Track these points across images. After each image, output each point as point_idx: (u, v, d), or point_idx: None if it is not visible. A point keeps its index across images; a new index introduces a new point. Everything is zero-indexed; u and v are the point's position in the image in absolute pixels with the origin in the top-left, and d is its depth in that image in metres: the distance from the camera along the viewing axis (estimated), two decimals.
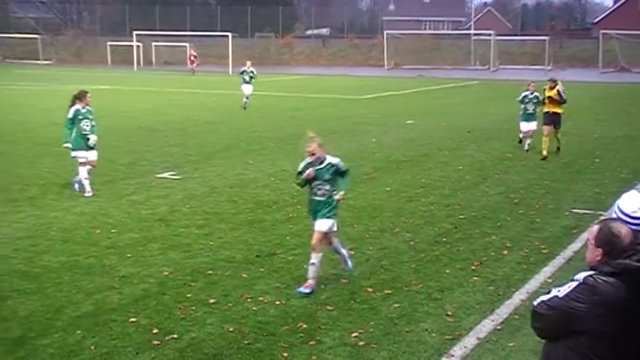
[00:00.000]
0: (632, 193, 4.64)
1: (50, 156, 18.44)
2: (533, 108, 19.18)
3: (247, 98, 30.50)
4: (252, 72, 30.98)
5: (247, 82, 30.85)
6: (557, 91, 18.25)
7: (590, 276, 3.85)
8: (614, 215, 4.56)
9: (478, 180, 15.37)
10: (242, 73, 31.29)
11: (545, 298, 3.94)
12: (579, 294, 3.80)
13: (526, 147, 19.23)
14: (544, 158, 17.57)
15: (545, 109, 18.47)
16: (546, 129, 18.16)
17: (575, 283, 3.87)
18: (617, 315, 3.76)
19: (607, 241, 3.93)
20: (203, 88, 43.13)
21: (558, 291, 3.90)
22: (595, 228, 4.03)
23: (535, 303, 3.99)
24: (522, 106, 19.45)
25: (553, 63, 63.48)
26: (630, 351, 3.82)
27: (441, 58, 68.34)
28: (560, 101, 18.30)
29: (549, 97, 18.36)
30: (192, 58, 59.35)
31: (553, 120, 18.35)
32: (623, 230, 3.95)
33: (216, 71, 60.41)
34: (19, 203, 13.28)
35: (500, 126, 24.38)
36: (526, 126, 19.38)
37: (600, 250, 3.94)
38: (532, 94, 19.24)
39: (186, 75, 54.78)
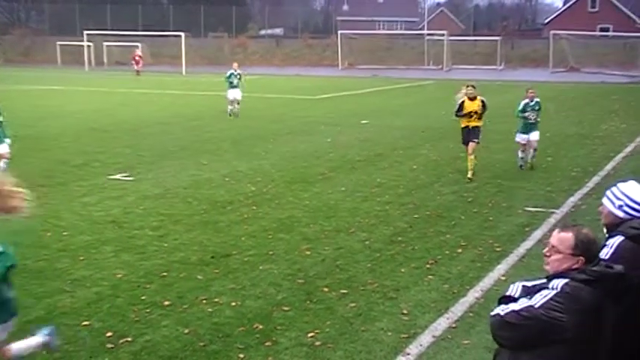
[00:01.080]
0: (633, 182, 4.76)
1: None
2: (535, 116, 16.91)
3: (237, 104, 27.75)
4: (238, 75, 28.17)
5: (234, 87, 28.02)
6: (482, 102, 15.63)
7: (567, 284, 3.79)
8: (618, 203, 4.65)
9: (432, 179, 15.48)
10: (229, 76, 28.15)
11: (515, 307, 3.82)
12: (558, 303, 3.72)
13: (520, 162, 16.84)
14: (471, 179, 15.23)
15: (465, 124, 15.78)
16: (471, 146, 15.57)
17: (552, 292, 3.78)
18: (594, 322, 3.75)
19: (588, 248, 3.89)
20: (156, 88, 42.74)
21: (528, 299, 3.81)
22: (567, 237, 3.95)
23: (501, 312, 3.86)
24: (524, 115, 16.89)
25: (505, 63, 64.31)
26: (601, 354, 3.83)
27: (395, 58, 68.72)
28: (482, 113, 15.73)
29: (470, 111, 15.60)
30: (136, 58, 57.29)
31: (476, 135, 15.71)
32: (592, 235, 3.95)
33: (169, 71, 59.93)
34: None
35: (454, 125, 24.45)
36: (525, 138, 16.79)
37: (581, 258, 3.88)
38: (533, 101, 16.95)
39: (142, 75, 54.12)
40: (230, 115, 27.42)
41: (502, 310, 3.86)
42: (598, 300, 3.76)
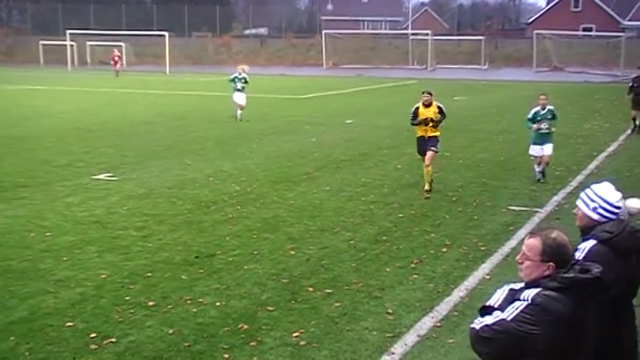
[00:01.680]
0: (606, 184, 4.67)
1: None
2: (547, 126, 15.21)
3: (242, 109, 26.08)
4: (244, 79, 26.36)
5: (240, 91, 26.27)
6: (439, 108, 14.12)
7: (538, 295, 3.69)
8: (592, 205, 4.57)
9: (417, 179, 15.48)
10: (233, 79, 26.42)
11: (489, 321, 3.73)
12: (530, 315, 3.63)
13: (538, 176, 15.23)
14: (428, 192, 13.90)
15: (420, 134, 14.32)
16: (429, 155, 14.09)
17: (522, 304, 3.70)
18: (567, 331, 3.66)
19: (557, 253, 3.79)
20: (139, 88, 42.58)
21: (501, 312, 3.73)
22: (534, 243, 3.85)
23: (476, 326, 3.76)
24: (534, 126, 15.27)
25: (489, 62, 64.55)
26: None
27: (380, 57, 68.80)
28: (439, 121, 14.20)
29: (425, 119, 14.11)
30: (115, 58, 55.90)
31: (428, 143, 14.20)
32: (565, 238, 3.84)
33: (153, 71, 59.73)
34: None
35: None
36: (539, 150, 15.22)
37: (551, 264, 3.78)
38: (544, 109, 15.24)
39: (123, 75, 53.88)
40: (240, 120, 25.69)
41: (477, 324, 3.77)
42: (571, 309, 3.66)
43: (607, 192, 4.61)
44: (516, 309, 3.69)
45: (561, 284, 3.69)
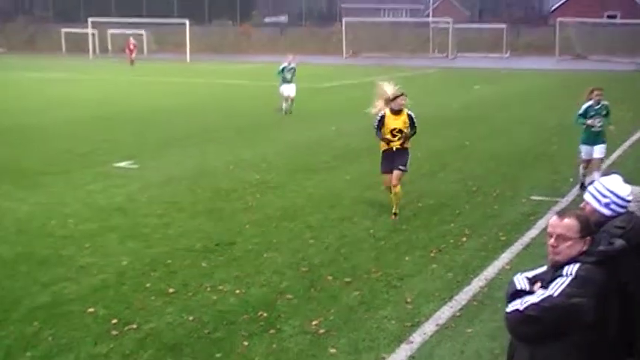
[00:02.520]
0: (616, 177, 4.58)
1: (3, 145, 18.14)
2: (601, 124, 13.47)
3: (290, 101, 24.71)
4: (293, 69, 25.00)
5: (288, 82, 24.77)
6: (410, 118, 11.81)
7: (580, 269, 3.80)
8: (605, 201, 4.45)
9: (436, 168, 15.47)
10: (282, 70, 24.96)
11: (534, 300, 3.78)
12: (577, 288, 3.72)
13: (582, 180, 13.41)
14: (395, 215, 11.58)
15: (385, 147, 11.85)
16: (396, 175, 11.67)
17: (567, 279, 3.77)
18: (607, 302, 3.78)
19: (590, 228, 3.98)
20: (160, 76, 42.72)
21: (544, 290, 3.79)
22: (570, 223, 3.96)
23: (520, 307, 3.81)
24: (586, 122, 13.49)
25: (511, 51, 64.10)
26: (614, 338, 3.86)
27: (400, 46, 68.44)
28: (408, 135, 11.80)
29: (392, 129, 11.72)
30: (131, 47, 54.62)
31: (396, 158, 11.71)
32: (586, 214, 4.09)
33: (173, 59, 59.85)
34: None
35: (458, 114, 24.55)
36: (589, 151, 13.47)
37: (589, 238, 3.94)
38: (599, 104, 13.46)
39: (138, 64, 53.97)
40: (285, 113, 24.51)
41: (520, 304, 3.81)
42: (605, 280, 3.80)
43: (618, 186, 4.50)
44: (561, 284, 3.76)
45: (599, 258, 3.83)
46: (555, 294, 3.74)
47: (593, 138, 13.47)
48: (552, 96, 30.59)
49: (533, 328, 3.78)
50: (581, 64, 52.45)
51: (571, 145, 18.41)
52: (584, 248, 3.92)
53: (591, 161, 13.45)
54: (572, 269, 3.82)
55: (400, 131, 11.68)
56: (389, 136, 11.67)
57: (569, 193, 13.24)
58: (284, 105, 24.71)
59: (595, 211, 4.47)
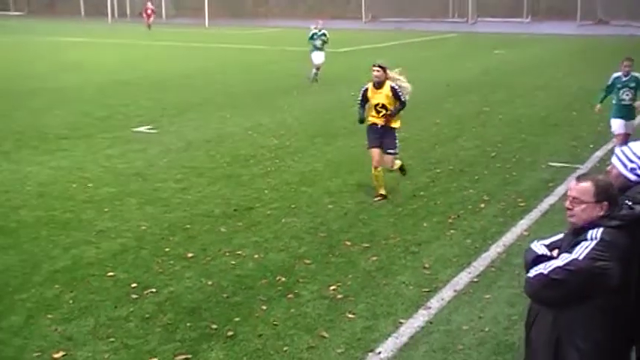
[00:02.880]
0: None
1: (24, 109, 18.23)
2: (631, 96, 12.57)
3: (318, 69, 23.81)
4: (323, 35, 24.04)
5: (319, 49, 23.89)
6: (393, 90, 10.52)
7: (604, 233, 3.81)
8: (631, 166, 4.42)
9: (455, 134, 15.39)
10: (312, 37, 24.05)
11: (559, 263, 3.79)
12: (602, 252, 3.73)
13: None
14: (382, 197, 10.56)
15: (371, 121, 10.78)
16: (375, 153, 10.67)
17: (592, 243, 3.78)
18: (632, 265, 3.82)
19: (609, 192, 3.95)
20: (178, 40, 42.63)
21: (569, 254, 3.79)
22: (587, 187, 3.95)
23: (544, 271, 3.82)
24: (612, 93, 12.82)
25: (531, 15, 63.31)
26: (634, 302, 3.89)
27: (419, 10, 67.64)
28: (394, 111, 10.59)
29: (376, 104, 10.66)
30: (148, 12, 53.05)
31: (383, 137, 10.67)
32: (608, 178, 4.06)
33: (192, 23, 59.64)
34: None
35: (478, 79, 24.36)
36: (621, 126, 12.67)
37: (605, 203, 3.91)
38: (627, 75, 12.61)
39: (155, 28, 53.81)
40: (313, 81, 23.56)
41: (544, 268, 3.82)
42: (628, 243, 3.82)
43: None
44: (586, 248, 3.77)
45: (622, 221, 3.83)
46: (581, 257, 3.75)
47: (625, 112, 12.64)
48: (573, 61, 30.25)
49: (558, 291, 3.80)
50: (603, 30, 51.73)
51: (592, 111, 18.26)
52: (601, 213, 3.90)
53: (622, 136, 12.52)
54: (596, 233, 3.81)
55: (384, 107, 10.49)
56: (373, 113, 10.65)
57: (589, 159, 13.14)
58: (313, 72, 23.82)
59: (620, 175, 4.47)
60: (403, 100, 10.54)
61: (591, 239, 3.80)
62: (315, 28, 24.26)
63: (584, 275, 3.73)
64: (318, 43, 23.90)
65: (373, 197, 10.63)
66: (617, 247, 3.76)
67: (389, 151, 10.69)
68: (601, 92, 13.02)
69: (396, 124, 10.74)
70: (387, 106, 10.50)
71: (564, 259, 3.80)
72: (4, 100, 19.75)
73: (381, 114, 10.57)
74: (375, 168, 10.61)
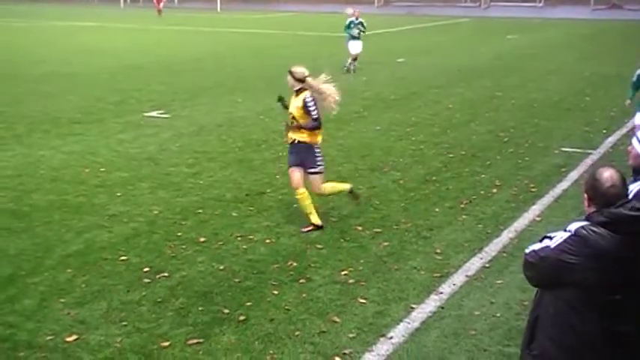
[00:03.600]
0: None
1: (37, 94, 18.28)
2: None
3: (355, 59, 22.79)
4: (361, 24, 23.11)
5: (356, 38, 22.92)
6: (303, 101, 8.82)
7: (583, 227, 3.73)
8: None
9: (468, 118, 15.34)
10: (348, 26, 23.19)
11: (536, 247, 3.85)
12: (571, 246, 3.70)
13: None
14: (314, 228, 8.72)
15: (291, 137, 8.96)
16: (293, 173, 8.86)
17: (567, 234, 3.76)
18: (607, 267, 3.66)
19: (590, 186, 3.83)
20: (190, 25, 42.60)
21: (550, 240, 3.80)
22: (587, 177, 3.95)
23: (527, 250, 3.91)
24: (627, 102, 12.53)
25: (544, 0, 62.89)
26: (617, 303, 3.73)
27: None
28: (301, 126, 8.80)
29: (290, 114, 8.99)
30: None
31: (300, 154, 8.83)
32: (606, 174, 3.79)
33: (204, 8, 59.58)
34: (6, 141, 13.19)
35: (491, 64, 24.24)
36: None
37: (585, 195, 3.85)
38: None
39: (171, 12, 53.81)
40: (347, 71, 22.37)
41: (527, 249, 3.92)
42: (613, 244, 3.65)
43: None
44: (560, 238, 3.77)
45: (606, 218, 3.69)
46: (552, 246, 3.77)
47: None
48: (586, 46, 30.06)
49: (530, 273, 3.91)
50: (617, 14, 51.38)
51: (605, 95, 18.18)
52: (586, 204, 3.85)
53: None
54: (574, 226, 3.77)
55: (294, 119, 8.89)
56: (288, 122, 9.01)
57: (602, 144, 13.07)
58: (349, 61, 22.67)
59: (639, 156, 4.46)
60: (314, 116, 8.74)
61: (568, 231, 3.78)
62: (352, 16, 23.33)
63: (549, 263, 3.75)
64: (355, 32, 23.01)
65: (302, 228, 8.77)
66: (589, 245, 3.66)
67: (310, 170, 8.80)
68: (630, 88, 12.50)
69: (312, 139, 8.80)
70: (297, 119, 8.83)
71: (542, 244, 3.84)
72: (17, 84, 19.81)
73: (294, 125, 8.90)
74: (297, 190, 8.84)
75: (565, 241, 3.73)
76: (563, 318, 3.77)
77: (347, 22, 23.35)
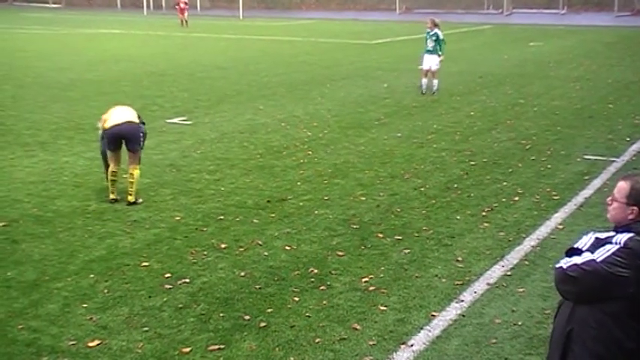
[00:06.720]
0: None
1: (61, 101, 18.45)
2: None
3: (431, 75, 19.56)
4: (436, 35, 19.80)
5: (430, 52, 19.75)
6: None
7: (631, 239, 3.68)
8: None
9: (489, 126, 15.28)
10: (427, 38, 20.13)
11: (578, 261, 3.73)
12: (622, 259, 3.63)
13: None
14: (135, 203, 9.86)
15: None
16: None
17: (615, 247, 3.69)
18: None
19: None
20: (212, 32, 42.81)
21: (590, 254, 3.72)
22: (623, 186, 3.85)
23: (563, 265, 3.78)
24: None
25: (567, 7, 62.54)
26: None
27: (453, 1, 67.27)
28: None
29: None
30: (181, 5, 49.27)
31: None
32: None
33: (226, 15, 59.85)
34: (30, 148, 13.32)
35: (512, 71, 24.14)
36: None
37: (635, 208, 3.78)
38: None
39: (194, 20, 54.05)
40: (423, 92, 19.38)
41: (565, 263, 3.78)
42: None
43: None
44: (607, 251, 3.69)
45: None
46: (599, 259, 3.68)
47: None
48: (609, 53, 29.84)
49: (572, 288, 3.76)
50: None
51: (628, 103, 18.04)
52: (631, 217, 3.78)
53: None
54: (622, 238, 3.72)
55: None
56: None
57: (626, 152, 12.98)
58: (422, 80, 19.60)
59: None
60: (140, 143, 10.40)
61: (615, 243, 3.72)
62: (431, 29, 20.03)
63: (598, 278, 3.66)
64: (430, 45, 19.84)
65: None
66: (639, 256, 3.63)
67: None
68: None
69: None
70: None
71: (584, 257, 3.74)
72: (41, 91, 20.00)
73: None
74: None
75: (614, 253, 3.66)
76: (607, 332, 3.69)
77: (430, 33, 20.09)
